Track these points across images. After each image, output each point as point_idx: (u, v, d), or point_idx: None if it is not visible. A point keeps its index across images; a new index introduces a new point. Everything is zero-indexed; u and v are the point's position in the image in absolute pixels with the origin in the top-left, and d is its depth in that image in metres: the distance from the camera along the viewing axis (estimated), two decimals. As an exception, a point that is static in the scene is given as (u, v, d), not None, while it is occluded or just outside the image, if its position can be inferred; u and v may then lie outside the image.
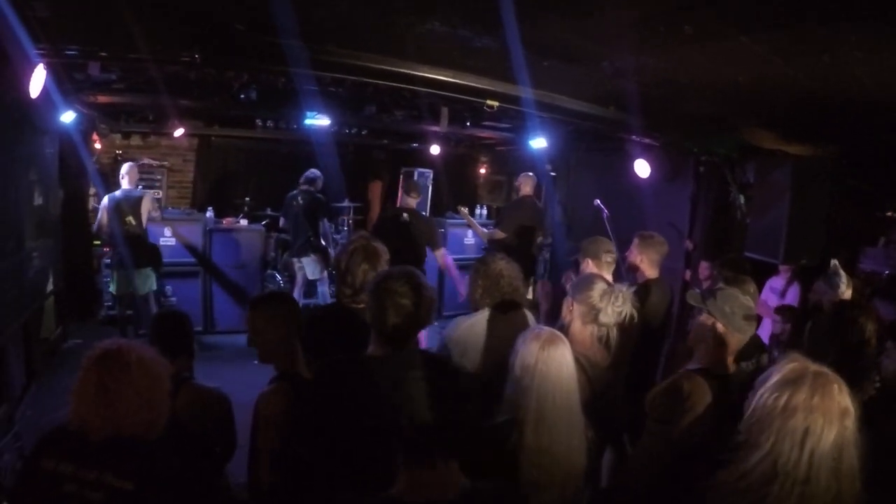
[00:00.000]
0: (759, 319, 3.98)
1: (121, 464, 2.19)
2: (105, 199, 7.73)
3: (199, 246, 8.93)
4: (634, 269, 4.91)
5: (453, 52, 4.52)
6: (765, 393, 2.11)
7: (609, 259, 4.53)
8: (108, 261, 8.72)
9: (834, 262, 4.49)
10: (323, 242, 9.10)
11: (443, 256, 7.43)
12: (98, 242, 9.22)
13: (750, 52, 3.48)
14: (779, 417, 2.03)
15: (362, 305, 3.13)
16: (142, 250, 7.76)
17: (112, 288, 8.00)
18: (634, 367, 3.74)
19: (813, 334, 3.75)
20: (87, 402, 2.21)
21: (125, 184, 7.78)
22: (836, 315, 3.73)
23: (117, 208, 7.59)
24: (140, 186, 8.33)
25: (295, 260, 9.11)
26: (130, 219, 7.61)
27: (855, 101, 4.14)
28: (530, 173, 8.33)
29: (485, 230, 8.60)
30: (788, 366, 2.14)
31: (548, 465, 2.55)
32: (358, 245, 3.61)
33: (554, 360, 2.63)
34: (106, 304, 8.89)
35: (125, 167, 7.95)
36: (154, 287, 7.94)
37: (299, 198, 8.86)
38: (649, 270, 4.87)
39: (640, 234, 4.98)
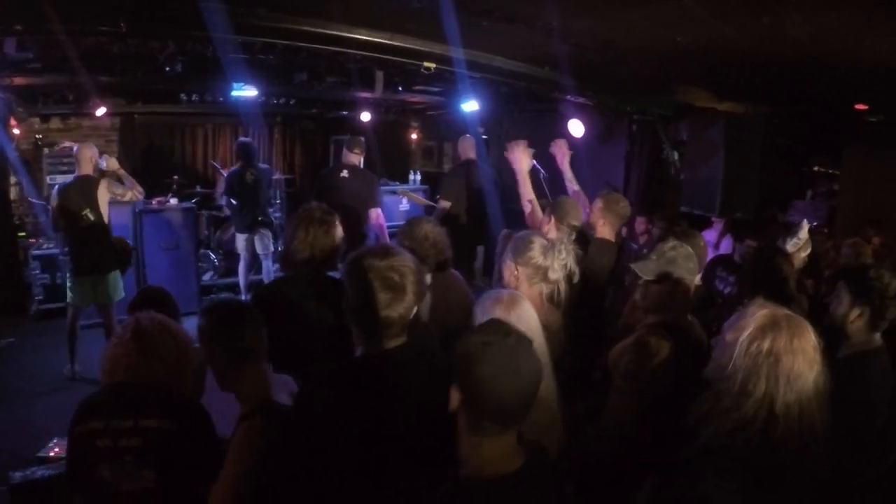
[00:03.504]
0: None
1: (158, 408, 2.39)
2: (54, 191, 6.49)
3: (129, 228, 8.48)
4: (592, 227, 4.66)
5: (390, 14, 4.44)
6: (744, 341, 2.12)
7: (569, 229, 4.39)
8: (36, 252, 8.29)
9: (804, 221, 4.61)
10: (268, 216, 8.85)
11: (377, 217, 7.13)
12: (24, 234, 8.84)
13: (690, 14, 3.48)
14: (765, 363, 2.06)
15: None
16: (105, 250, 6.46)
17: (72, 299, 6.50)
18: (577, 323, 3.63)
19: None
20: (128, 353, 2.46)
21: (79, 169, 6.46)
22: (756, 261, 3.93)
23: (69, 200, 6.28)
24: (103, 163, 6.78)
25: (243, 236, 8.77)
26: (87, 212, 6.30)
27: (792, 62, 4.22)
28: (469, 135, 7.98)
29: (429, 202, 8.47)
30: (760, 312, 2.17)
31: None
32: (307, 214, 3.51)
33: (523, 320, 2.60)
34: (37, 297, 8.43)
35: (75, 148, 6.69)
36: (122, 294, 6.61)
37: (248, 174, 8.55)
38: (607, 232, 4.59)
39: (604, 195, 4.69)
